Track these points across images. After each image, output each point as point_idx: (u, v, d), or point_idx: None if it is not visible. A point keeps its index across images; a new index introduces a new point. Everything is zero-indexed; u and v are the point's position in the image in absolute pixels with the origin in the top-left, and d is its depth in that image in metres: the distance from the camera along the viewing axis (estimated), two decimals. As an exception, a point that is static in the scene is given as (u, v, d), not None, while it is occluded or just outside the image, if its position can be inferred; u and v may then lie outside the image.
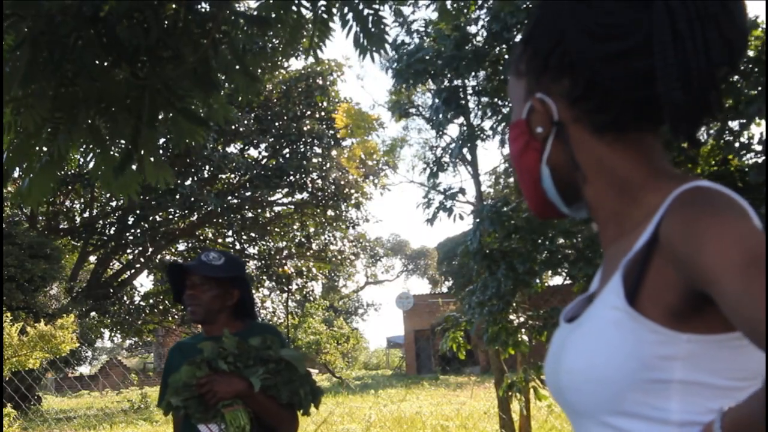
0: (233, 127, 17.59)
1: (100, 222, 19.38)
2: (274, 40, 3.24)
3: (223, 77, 2.66)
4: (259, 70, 2.81)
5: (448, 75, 7.02)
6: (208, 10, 2.56)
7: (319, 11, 2.54)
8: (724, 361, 0.77)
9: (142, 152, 2.48)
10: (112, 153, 2.50)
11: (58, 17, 2.16)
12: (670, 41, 0.78)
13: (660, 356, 0.76)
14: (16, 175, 2.53)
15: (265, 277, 20.56)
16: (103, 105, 2.37)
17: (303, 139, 19.09)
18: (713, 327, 0.76)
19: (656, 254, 0.79)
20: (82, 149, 2.59)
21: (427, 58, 6.88)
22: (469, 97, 7.53)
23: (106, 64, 2.36)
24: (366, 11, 2.48)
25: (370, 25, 2.48)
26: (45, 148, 2.41)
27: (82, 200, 19.75)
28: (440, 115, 7.27)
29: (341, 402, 14.70)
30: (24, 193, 2.47)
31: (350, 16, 2.49)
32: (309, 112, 19.28)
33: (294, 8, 2.55)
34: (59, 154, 2.37)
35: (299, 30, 2.58)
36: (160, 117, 2.49)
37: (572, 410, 0.87)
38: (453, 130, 8.07)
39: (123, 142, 2.49)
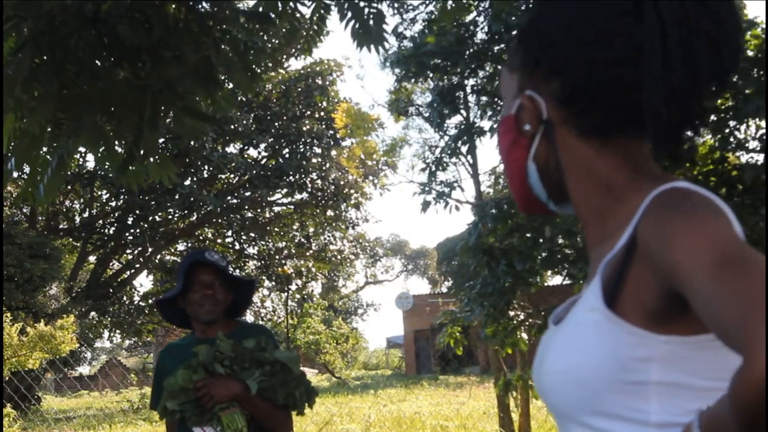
0: (233, 127, 17.59)
1: (100, 222, 19.38)
2: (273, 39, 3.23)
3: (224, 76, 2.64)
4: (259, 69, 2.81)
5: (449, 70, 7.01)
6: (208, 9, 2.55)
7: (320, 7, 2.52)
8: (702, 362, 0.77)
9: (144, 152, 2.47)
10: (116, 150, 2.50)
11: (59, 17, 2.15)
12: (659, 58, 0.78)
13: (637, 358, 0.77)
14: (15, 174, 2.52)
15: (264, 277, 20.55)
16: (106, 105, 2.36)
17: (302, 139, 19.09)
18: (691, 328, 0.76)
19: (635, 256, 0.79)
20: (85, 148, 2.59)
21: (432, 52, 6.87)
22: (469, 96, 7.54)
23: (107, 64, 2.36)
24: (366, 10, 2.46)
25: (369, 22, 2.47)
26: (50, 149, 2.41)
27: (81, 200, 19.75)
28: (438, 113, 7.28)
29: (341, 402, 14.69)
30: (37, 195, 2.45)
31: (349, 13, 2.47)
32: (308, 112, 19.28)
33: (291, 4, 2.53)
34: (67, 155, 2.36)
35: (298, 29, 2.57)
36: (162, 116, 2.48)
37: (555, 411, 0.88)
38: (453, 129, 8.06)
39: (126, 141, 2.49)
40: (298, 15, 2.58)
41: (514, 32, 6.11)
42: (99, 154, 2.50)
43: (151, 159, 2.54)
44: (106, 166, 2.59)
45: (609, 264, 0.81)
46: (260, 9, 2.51)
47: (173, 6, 2.47)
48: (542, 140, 0.90)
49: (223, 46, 2.53)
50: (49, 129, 2.30)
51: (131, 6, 2.30)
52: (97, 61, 2.28)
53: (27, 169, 2.51)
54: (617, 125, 0.86)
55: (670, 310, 0.76)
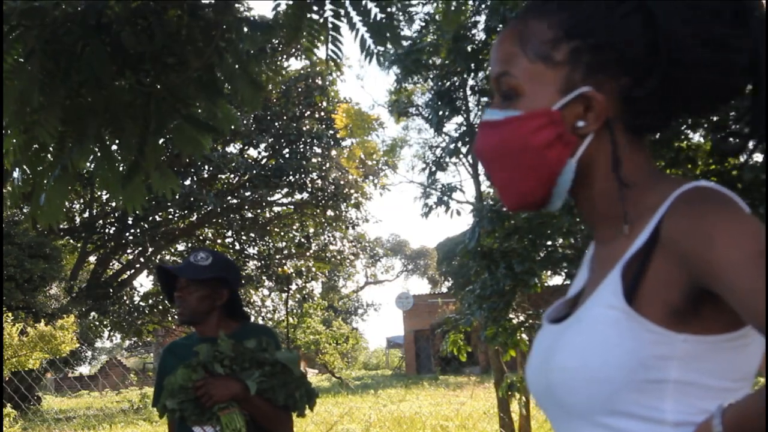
0: (233, 126, 17.55)
1: (100, 222, 19.38)
2: (273, 41, 3.21)
3: (228, 86, 2.63)
4: (263, 76, 2.79)
5: (447, 71, 7.02)
6: (211, 16, 2.53)
7: (329, 16, 2.49)
8: (719, 362, 0.78)
9: (149, 162, 2.46)
10: (119, 163, 2.48)
11: (64, 26, 2.14)
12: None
13: (656, 356, 0.77)
14: (15, 174, 2.51)
15: (264, 277, 20.55)
16: (110, 114, 2.36)
17: (302, 139, 19.09)
18: (709, 328, 0.77)
19: (657, 253, 0.79)
20: (89, 160, 2.56)
21: (428, 49, 6.88)
22: (469, 96, 7.54)
23: (111, 72, 2.35)
24: (379, 16, 2.44)
25: (382, 25, 2.44)
26: (54, 161, 2.39)
27: (82, 200, 19.75)
28: (438, 113, 7.28)
29: (341, 402, 14.69)
30: (41, 210, 2.42)
31: (356, 19, 2.45)
32: (308, 112, 19.28)
33: (308, 15, 2.50)
34: (72, 167, 2.34)
35: (312, 34, 2.55)
36: (165, 125, 2.47)
37: (563, 410, 0.86)
38: (453, 129, 8.07)
39: (130, 151, 2.47)
40: (309, 23, 2.55)
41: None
42: (100, 171, 2.49)
43: (158, 168, 2.52)
44: (108, 182, 2.55)
45: (628, 262, 0.81)
46: (279, 20, 2.49)
47: (177, 12, 2.46)
48: (595, 139, 0.87)
49: (226, 54, 2.51)
50: (57, 142, 2.29)
51: (134, 12, 2.30)
52: (102, 70, 2.27)
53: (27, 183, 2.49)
54: (665, 123, 0.88)
55: (689, 309, 0.77)
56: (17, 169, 2.41)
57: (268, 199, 19.90)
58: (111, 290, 19.45)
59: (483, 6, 6.54)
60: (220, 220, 19.80)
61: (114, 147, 2.50)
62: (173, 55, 2.41)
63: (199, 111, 2.61)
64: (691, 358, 0.77)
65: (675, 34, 0.83)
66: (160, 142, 2.50)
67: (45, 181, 2.38)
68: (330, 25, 2.46)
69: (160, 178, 2.47)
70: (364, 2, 2.44)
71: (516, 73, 0.89)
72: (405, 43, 7.30)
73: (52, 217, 2.42)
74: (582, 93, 0.86)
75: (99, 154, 2.43)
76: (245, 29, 2.49)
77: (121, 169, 2.46)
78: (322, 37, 2.54)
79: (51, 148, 2.38)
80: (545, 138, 0.87)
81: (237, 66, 2.47)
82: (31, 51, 2.09)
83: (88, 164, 2.51)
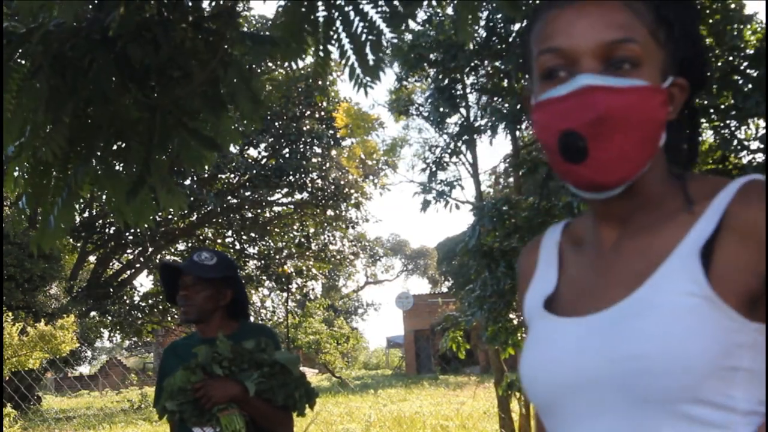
0: (233, 126, 17.55)
1: (100, 222, 19.37)
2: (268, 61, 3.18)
3: (230, 104, 2.61)
4: (264, 92, 2.78)
5: (448, 66, 7.00)
6: (214, 27, 2.51)
7: (320, 38, 2.44)
8: None
9: (155, 177, 2.44)
10: (123, 181, 2.46)
11: (71, 41, 2.14)
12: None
13: (735, 343, 0.78)
14: (22, 202, 2.47)
15: (265, 277, 20.55)
16: (115, 131, 2.33)
17: (303, 139, 19.09)
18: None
19: (726, 241, 0.81)
20: (93, 179, 2.53)
21: (425, 45, 6.88)
22: (468, 94, 7.53)
23: (117, 86, 2.34)
24: (365, 37, 2.37)
25: (367, 51, 2.37)
26: (60, 181, 2.38)
27: (81, 200, 19.72)
28: (438, 110, 7.28)
29: (341, 402, 14.69)
30: (47, 233, 2.38)
31: (346, 42, 2.37)
32: (309, 112, 19.27)
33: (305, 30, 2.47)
34: (76, 186, 2.31)
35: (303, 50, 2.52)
36: (170, 140, 2.45)
37: (630, 400, 0.81)
38: (453, 126, 8.06)
39: (135, 167, 2.44)
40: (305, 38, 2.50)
41: (512, 30, 6.14)
42: (104, 190, 2.46)
43: (164, 184, 2.49)
44: (113, 201, 2.52)
45: (700, 250, 0.82)
46: (266, 33, 2.46)
47: (181, 26, 2.44)
48: (675, 124, 0.91)
49: (229, 69, 2.50)
50: (62, 161, 2.28)
51: (139, 25, 2.28)
52: (110, 84, 2.25)
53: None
54: None
55: (761, 297, 0.79)
56: (24, 195, 2.39)
57: (268, 199, 19.90)
58: (111, 290, 19.46)
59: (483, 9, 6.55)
60: (220, 220, 19.80)
61: (118, 164, 2.48)
62: (178, 69, 2.40)
63: (204, 125, 2.59)
64: (758, 346, 0.79)
65: (691, 34, 0.90)
66: (166, 158, 2.48)
67: (50, 204, 2.36)
68: (337, 24, 2.43)
69: (166, 195, 2.45)
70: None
71: (640, 42, 0.85)
72: (408, 36, 7.29)
73: (54, 239, 2.40)
74: (673, 80, 0.89)
75: (102, 173, 2.40)
76: (249, 43, 2.47)
77: (126, 183, 2.44)
78: (320, 38, 2.50)
79: (53, 170, 2.35)
80: (664, 114, 0.87)
81: (239, 81, 2.45)
82: (39, 67, 2.08)
83: (90, 184, 2.47)
